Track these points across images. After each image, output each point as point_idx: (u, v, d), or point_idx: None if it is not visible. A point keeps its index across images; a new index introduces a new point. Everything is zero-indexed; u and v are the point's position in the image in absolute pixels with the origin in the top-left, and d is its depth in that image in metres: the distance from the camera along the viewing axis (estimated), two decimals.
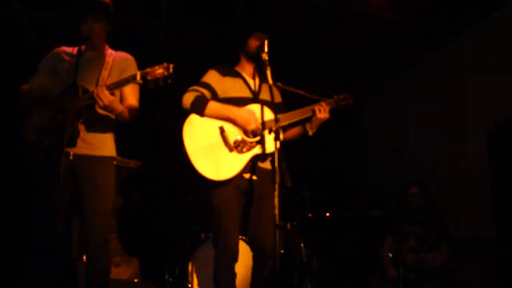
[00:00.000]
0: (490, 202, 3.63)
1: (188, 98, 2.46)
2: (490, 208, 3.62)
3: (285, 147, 2.58)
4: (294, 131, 2.66)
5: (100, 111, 2.33)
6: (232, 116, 2.42)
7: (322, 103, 2.54)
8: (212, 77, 2.56)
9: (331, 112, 2.57)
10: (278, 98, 2.73)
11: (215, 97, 2.52)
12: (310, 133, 2.59)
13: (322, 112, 2.51)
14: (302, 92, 2.68)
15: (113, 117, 2.38)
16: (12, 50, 4.53)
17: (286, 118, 2.51)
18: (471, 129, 4.05)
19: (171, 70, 2.09)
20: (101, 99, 2.14)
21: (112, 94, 2.19)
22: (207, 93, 2.51)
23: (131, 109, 2.42)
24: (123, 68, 2.45)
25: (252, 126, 2.40)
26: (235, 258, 2.40)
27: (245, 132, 2.43)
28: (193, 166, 2.37)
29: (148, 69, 2.12)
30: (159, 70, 2.09)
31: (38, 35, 4.25)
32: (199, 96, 2.47)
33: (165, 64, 2.10)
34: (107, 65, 2.40)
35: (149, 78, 2.09)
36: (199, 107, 2.45)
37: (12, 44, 4.42)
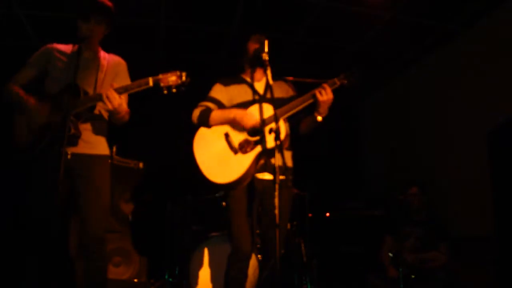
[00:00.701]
0: (490, 202, 3.63)
1: (195, 114, 2.59)
2: (490, 208, 3.61)
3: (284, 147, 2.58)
4: (306, 121, 2.64)
5: (103, 112, 2.33)
6: (231, 115, 2.48)
7: (324, 85, 2.47)
8: (216, 90, 2.67)
9: (333, 103, 2.53)
10: (289, 93, 2.73)
11: (221, 107, 2.62)
12: (319, 118, 2.53)
13: (323, 94, 2.43)
14: (309, 80, 2.65)
15: (106, 118, 2.39)
16: (12, 50, 4.53)
17: (286, 111, 2.48)
18: (471, 129, 4.05)
19: (183, 78, 2.15)
20: (111, 102, 2.15)
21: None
22: (212, 105, 2.61)
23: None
24: (116, 72, 2.48)
25: (251, 122, 2.43)
26: (248, 257, 2.48)
27: (246, 129, 2.46)
28: (204, 176, 2.45)
29: (160, 76, 2.16)
30: (172, 78, 2.14)
31: (38, 35, 4.25)
32: (203, 110, 2.58)
33: (178, 72, 2.15)
34: (102, 68, 2.42)
35: (162, 84, 2.15)
36: (204, 120, 2.56)
37: (12, 44, 4.42)
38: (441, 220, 3.91)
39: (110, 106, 2.16)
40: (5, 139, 2.36)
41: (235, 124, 2.49)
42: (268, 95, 2.61)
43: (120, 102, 2.18)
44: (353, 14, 3.94)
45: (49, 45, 2.47)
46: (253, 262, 2.65)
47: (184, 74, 2.14)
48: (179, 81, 2.13)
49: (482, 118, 3.91)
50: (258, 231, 2.82)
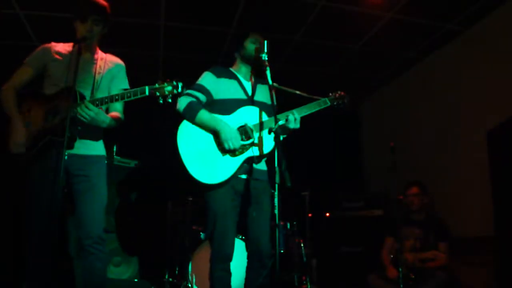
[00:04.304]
0: (490, 202, 3.63)
1: (182, 103, 2.45)
2: (490, 208, 3.61)
3: (285, 147, 2.59)
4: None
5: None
6: (217, 128, 2.40)
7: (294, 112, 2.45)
8: (207, 80, 2.56)
9: (331, 110, 2.54)
10: (269, 100, 2.68)
11: (210, 99, 2.52)
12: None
13: (291, 122, 2.42)
14: (298, 92, 2.62)
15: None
16: (12, 50, 4.53)
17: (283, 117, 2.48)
18: (471, 129, 4.05)
19: (180, 89, 2.18)
20: (84, 117, 2.17)
21: (99, 106, 2.22)
22: (201, 96, 2.50)
23: (117, 118, 2.43)
24: (114, 74, 2.48)
25: (228, 146, 2.36)
26: (229, 259, 2.42)
27: (222, 148, 2.40)
28: (186, 170, 2.37)
29: (157, 85, 2.18)
30: (168, 88, 2.17)
31: (38, 35, 4.25)
32: (192, 102, 2.45)
33: (175, 83, 2.18)
34: (100, 69, 2.41)
35: (158, 94, 2.18)
36: (191, 115, 2.44)
37: (12, 44, 4.42)
38: (441, 220, 3.91)
39: (85, 120, 2.18)
40: (4, 140, 2.35)
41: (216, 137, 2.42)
42: (257, 97, 2.60)
43: (96, 112, 2.20)
44: (353, 14, 3.94)
45: (46, 44, 2.45)
46: (244, 261, 2.59)
47: (180, 85, 2.17)
48: (175, 92, 2.17)
49: (482, 118, 3.90)
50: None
